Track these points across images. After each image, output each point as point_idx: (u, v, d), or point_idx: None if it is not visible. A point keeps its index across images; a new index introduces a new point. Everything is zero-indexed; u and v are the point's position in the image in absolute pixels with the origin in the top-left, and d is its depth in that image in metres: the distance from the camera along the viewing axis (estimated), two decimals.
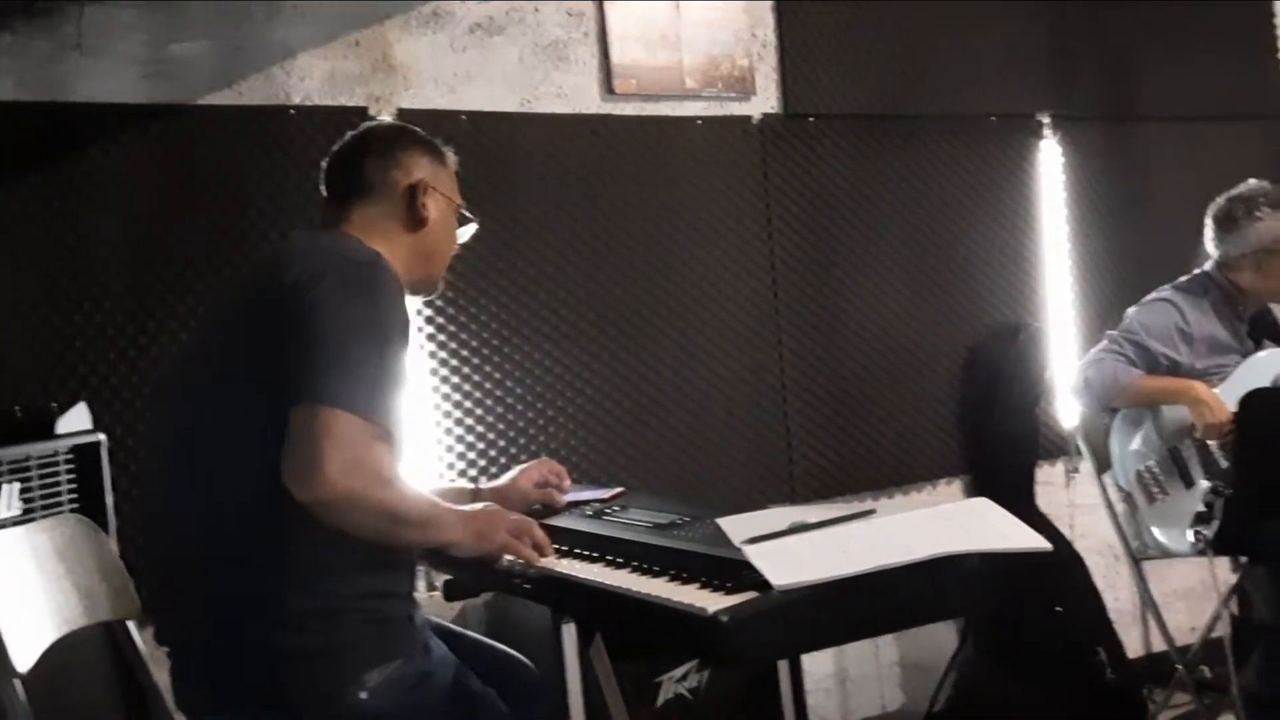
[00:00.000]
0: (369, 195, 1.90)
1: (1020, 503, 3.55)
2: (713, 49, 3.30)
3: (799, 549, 1.79)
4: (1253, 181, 3.09)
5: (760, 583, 1.69)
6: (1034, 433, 3.61)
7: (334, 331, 1.64)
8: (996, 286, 3.70)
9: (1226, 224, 3.06)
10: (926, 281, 3.60)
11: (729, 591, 1.72)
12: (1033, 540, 1.74)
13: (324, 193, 1.96)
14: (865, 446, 3.46)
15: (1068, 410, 3.65)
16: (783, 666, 2.70)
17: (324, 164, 1.96)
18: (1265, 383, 2.97)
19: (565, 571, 1.94)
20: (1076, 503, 3.71)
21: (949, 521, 1.80)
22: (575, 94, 3.16)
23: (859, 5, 3.50)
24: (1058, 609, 3.38)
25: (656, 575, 1.83)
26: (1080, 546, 3.59)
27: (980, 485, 3.58)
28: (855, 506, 1.99)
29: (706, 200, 3.27)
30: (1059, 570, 3.45)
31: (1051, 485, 3.72)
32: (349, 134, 1.98)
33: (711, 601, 1.69)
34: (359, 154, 1.93)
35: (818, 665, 3.32)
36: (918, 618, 1.98)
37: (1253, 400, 2.44)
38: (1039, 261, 3.78)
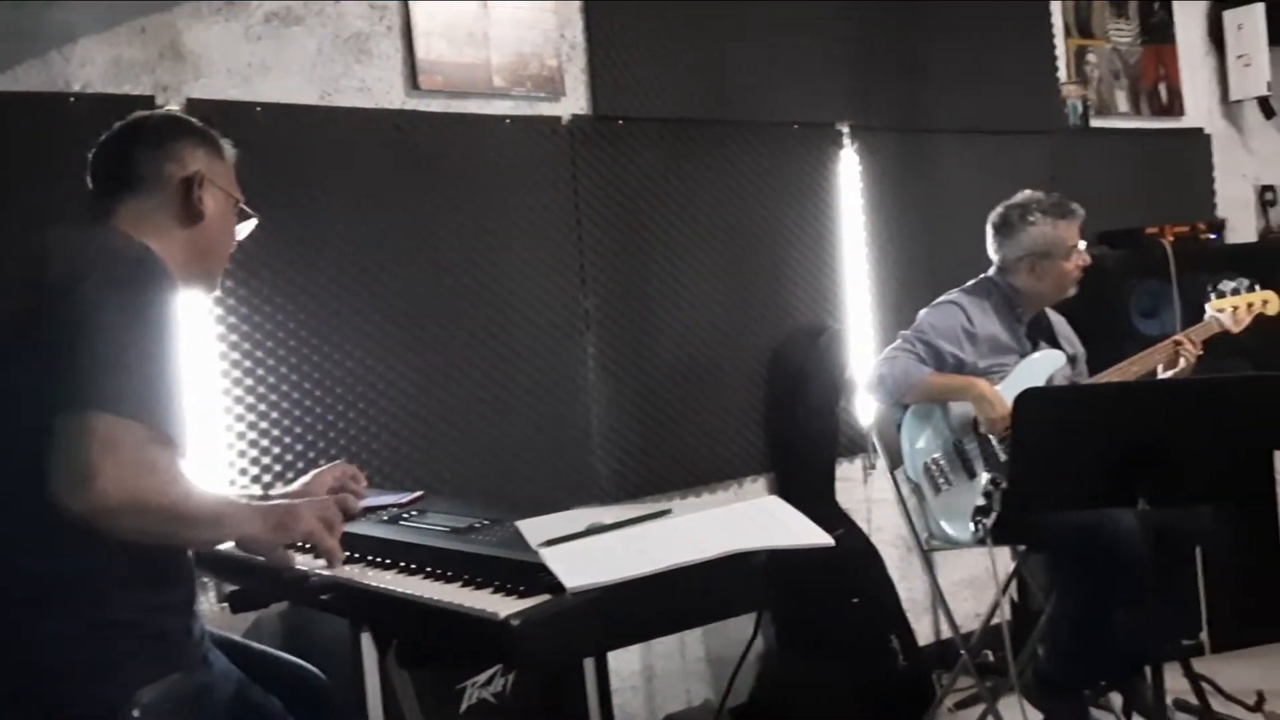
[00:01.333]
0: (140, 188, 1.82)
1: (821, 499, 3.67)
2: (521, 48, 3.28)
3: (594, 550, 1.80)
4: (1028, 190, 3.28)
5: (554, 585, 1.69)
6: (834, 431, 3.73)
7: (100, 333, 1.56)
8: (800, 289, 3.80)
9: (1004, 229, 3.25)
10: (733, 284, 3.67)
11: (522, 595, 1.72)
12: (818, 536, 1.80)
13: (90, 185, 1.86)
14: (673, 446, 3.50)
15: (866, 409, 3.79)
16: (589, 666, 2.71)
17: (90, 155, 1.87)
18: (1040, 381, 3.17)
19: (357, 579, 1.91)
20: (873, 498, 3.86)
21: (740, 520, 1.84)
22: (378, 89, 3.08)
23: (668, 10, 3.54)
24: (854, 600, 3.51)
25: (450, 580, 1.82)
26: (876, 539, 3.74)
27: (784, 482, 3.68)
28: (653, 507, 2.01)
29: (515, 200, 3.25)
30: (856, 563, 3.58)
31: (850, 481, 3.85)
32: (117, 124, 1.89)
33: (504, 606, 1.68)
34: (129, 144, 1.85)
35: (624, 663, 3.34)
36: (711, 614, 2.02)
37: (1026, 398, 2.58)
38: (840, 266, 3.91)
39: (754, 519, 1.84)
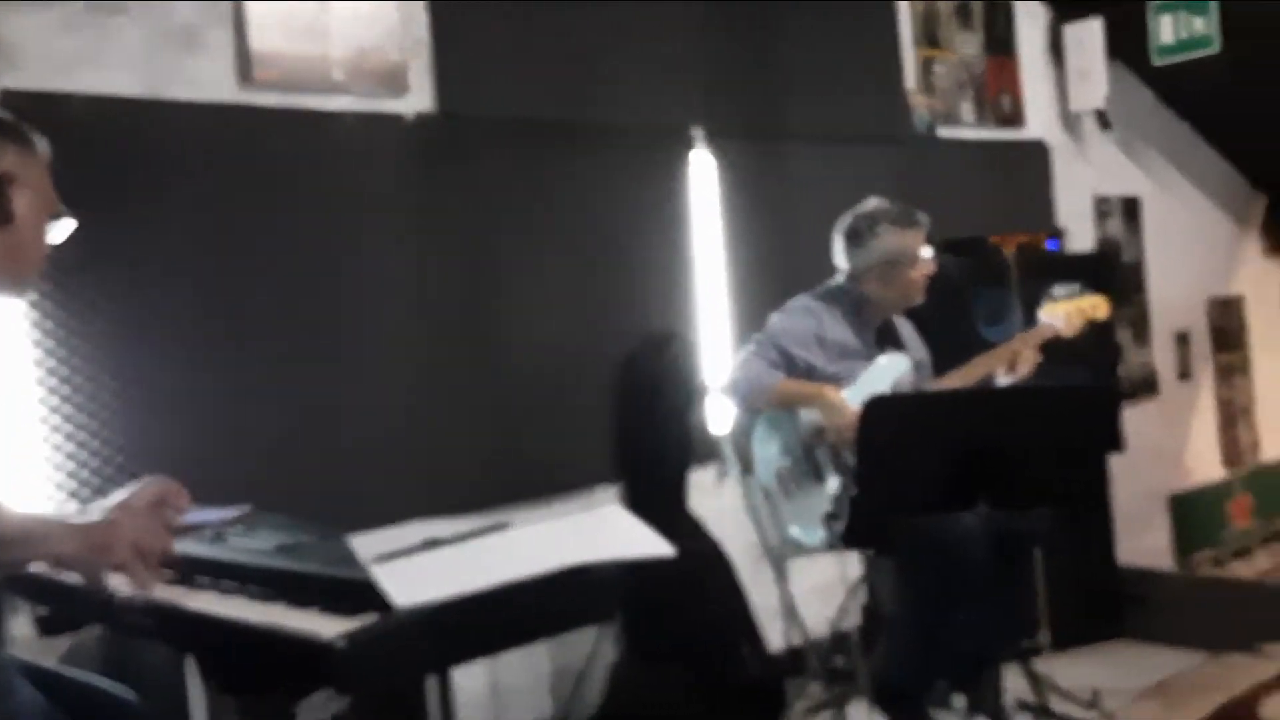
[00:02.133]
0: None
1: (673, 507, 3.64)
2: (363, 42, 3.17)
3: (427, 566, 1.73)
4: (874, 199, 3.32)
5: (385, 603, 1.63)
6: (686, 438, 3.70)
7: None
8: (653, 295, 3.77)
9: (853, 238, 3.28)
10: (584, 289, 3.61)
11: (349, 614, 1.64)
12: (657, 546, 1.77)
13: None
14: (522, 455, 3.43)
15: (719, 416, 3.78)
16: (431, 684, 2.63)
17: None
18: (886, 386, 3.20)
19: (176, 602, 1.81)
20: (726, 505, 3.83)
21: (579, 531, 1.80)
22: (208, 82, 2.93)
23: (517, 7, 3.46)
24: (706, 609, 3.49)
25: (274, 601, 1.74)
26: (729, 547, 3.73)
27: (635, 490, 3.64)
28: (492, 519, 1.95)
29: (355, 199, 3.13)
30: (708, 572, 3.57)
31: (703, 489, 3.84)
32: None
33: (329, 626, 1.61)
34: None
35: (470, 679, 3.24)
36: (552, 628, 1.97)
37: (872, 406, 2.61)
38: (693, 271, 3.89)
39: (593, 530, 1.79)
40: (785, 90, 4.16)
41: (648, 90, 3.77)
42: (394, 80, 3.22)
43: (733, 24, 4.01)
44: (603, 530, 1.80)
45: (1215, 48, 4.64)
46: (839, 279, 3.36)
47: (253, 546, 1.96)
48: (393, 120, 3.22)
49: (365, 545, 1.86)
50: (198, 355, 2.85)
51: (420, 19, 3.29)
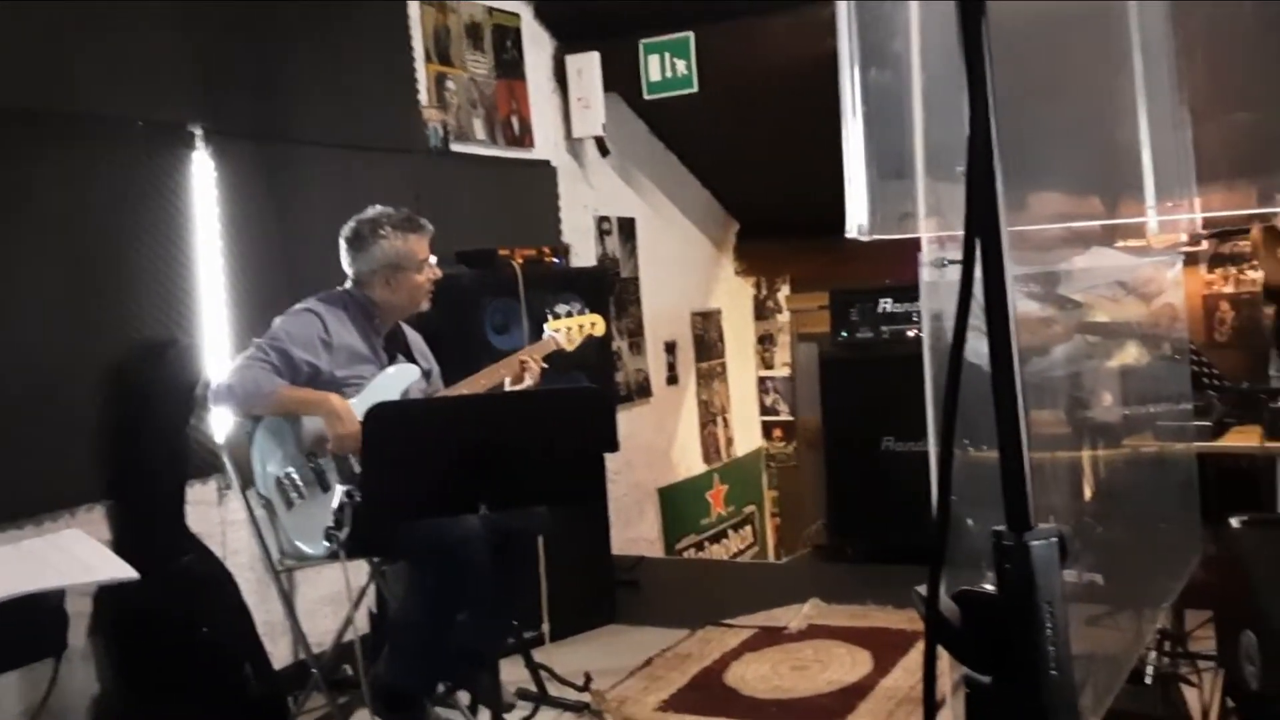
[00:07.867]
0: None
1: (168, 524, 3.42)
2: None
3: None
4: (377, 206, 3.34)
5: None
6: (183, 451, 3.49)
7: None
8: (146, 299, 3.52)
9: (356, 243, 3.28)
10: (67, 293, 3.29)
11: None
12: (121, 570, 1.67)
13: None
14: None
15: (221, 426, 3.60)
16: None
17: None
18: (396, 395, 3.23)
19: None
20: (229, 519, 3.68)
21: (27, 559, 1.64)
22: None
23: None
24: (204, 629, 3.32)
25: None
26: (233, 563, 3.58)
27: (126, 509, 3.37)
28: None
29: None
30: (206, 590, 3.39)
31: (204, 504, 3.64)
32: None
33: None
34: None
35: None
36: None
37: (376, 413, 2.63)
38: (192, 275, 3.68)
39: (46, 556, 1.65)
40: (295, 95, 4.06)
41: (139, 83, 3.52)
42: None
43: (237, 22, 3.84)
44: (59, 556, 1.66)
45: (694, 88, 5.15)
46: (347, 284, 3.34)
47: None
48: None
49: None
50: None
51: None
